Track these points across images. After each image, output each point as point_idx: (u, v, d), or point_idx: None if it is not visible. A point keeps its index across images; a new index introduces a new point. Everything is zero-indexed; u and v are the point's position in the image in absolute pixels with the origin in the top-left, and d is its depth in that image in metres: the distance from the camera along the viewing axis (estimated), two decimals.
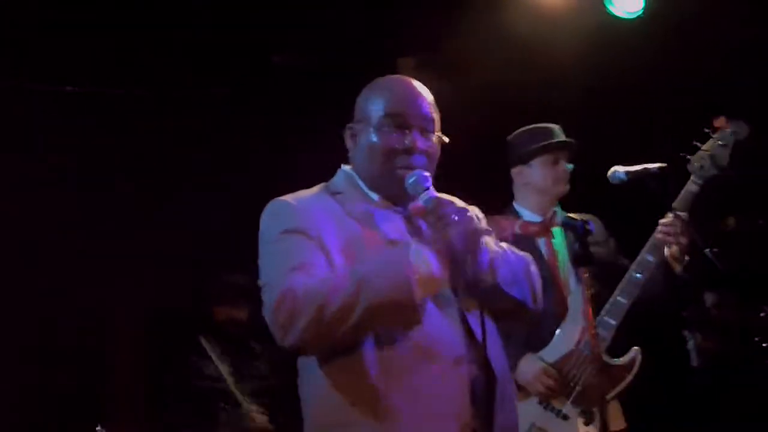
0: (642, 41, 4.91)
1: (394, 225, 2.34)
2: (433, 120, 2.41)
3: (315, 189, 2.45)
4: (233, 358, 4.59)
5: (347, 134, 2.46)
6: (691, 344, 4.77)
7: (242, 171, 5.14)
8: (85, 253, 4.89)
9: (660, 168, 3.38)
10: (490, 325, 2.29)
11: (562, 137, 3.82)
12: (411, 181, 2.29)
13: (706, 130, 3.60)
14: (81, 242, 4.91)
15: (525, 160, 3.81)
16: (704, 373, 4.80)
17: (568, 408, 3.55)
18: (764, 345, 4.68)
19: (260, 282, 2.29)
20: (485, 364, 2.22)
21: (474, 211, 2.45)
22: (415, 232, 2.35)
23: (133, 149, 5.17)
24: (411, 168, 2.33)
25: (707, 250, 3.50)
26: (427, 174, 2.31)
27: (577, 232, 2.30)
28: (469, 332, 2.25)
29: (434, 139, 2.40)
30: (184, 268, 5.01)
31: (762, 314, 3.36)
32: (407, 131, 2.36)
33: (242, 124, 5.25)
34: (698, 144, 3.59)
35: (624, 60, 5.02)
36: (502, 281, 2.28)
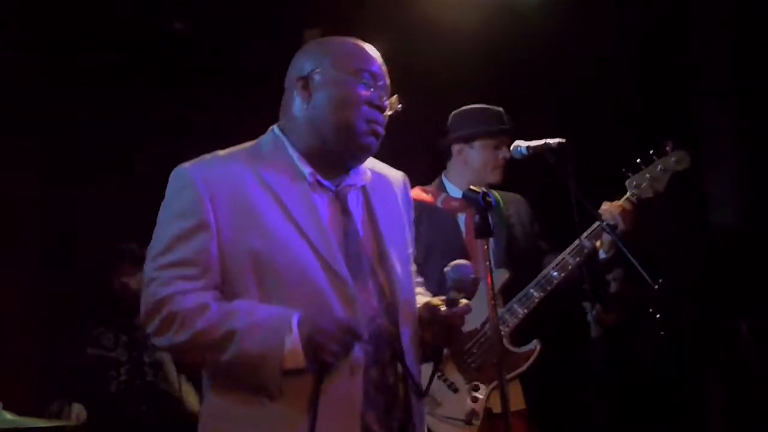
0: (542, 17, 4.99)
1: (313, 210, 2.23)
2: (388, 86, 2.36)
3: (238, 148, 2.32)
4: (130, 328, 4.52)
5: (297, 85, 2.28)
6: (590, 316, 4.87)
7: (136, 140, 5.03)
8: None
9: (559, 143, 3.45)
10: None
11: (506, 123, 3.84)
12: (458, 277, 2.27)
13: (651, 153, 3.75)
14: None
15: (468, 139, 3.84)
16: (603, 344, 4.93)
17: (459, 382, 3.62)
18: (658, 316, 4.84)
19: (148, 248, 2.26)
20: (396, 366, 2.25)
21: (403, 179, 2.51)
22: (344, 213, 2.29)
23: (22, 116, 4.97)
24: (380, 125, 2.28)
25: (603, 223, 3.60)
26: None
27: (477, 204, 2.32)
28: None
29: (392, 105, 2.34)
30: (79, 239, 4.90)
31: (656, 287, 3.46)
32: (379, 88, 2.29)
33: (137, 93, 5.12)
34: (641, 165, 3.74)
35: (525, 35, 5.09)
36: None
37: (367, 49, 2.34)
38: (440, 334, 2.31)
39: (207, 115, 5.00)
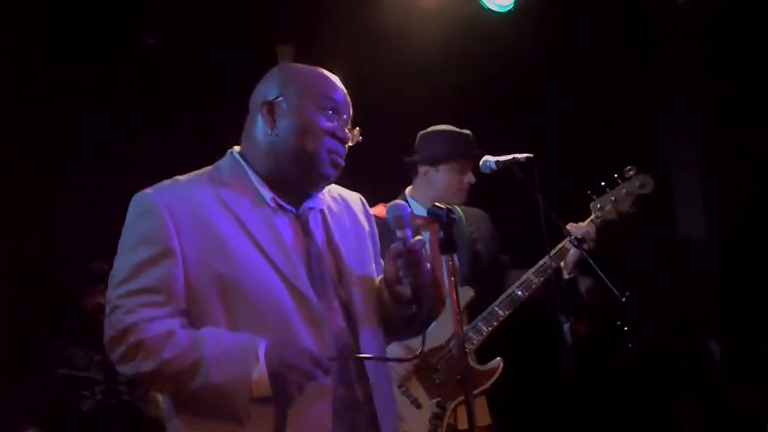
0: (512, 34, 5.04)
1: (274, 232, 2.24)
2: (351, 117, 2.38)
3: (198, 173, 2.32)
4: (104, 347, 4.50)
5: (264, 109, 2.29)
6: (566, 327, 4.93)
7: (104, 157, 5.01)
8: None
9: (527, 158, 3.50)
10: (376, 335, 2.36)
11: (473, 148, 3.87)
12: (397, 214, 2.23)
13: (615, 176, 3.82)
14: None
15: (434, 162, 3.86)
16: (576, 356, 4.97)
17: (423, 398, 3.65)
18: (626, 329, 4.89)
19: (110, 275, 2.23)
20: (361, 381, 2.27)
21: (359, 199, 2.53)
22: (305, 234, 2.30)
23: None
24: (341, 156, 2.30)
25: (572, 237, 3.65)
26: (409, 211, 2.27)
27: (441, 220, 2.34)
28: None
29: (353, 136, 2.36)
30: (50, 258, 4.86)
31: (623, 299, 3.51)
32: (342, 119, 2.32)
33: (107, 109, 5.10)
34: (606, 188, 3.81)
35: (494, 52, 5.14)
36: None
37: (332, 80, 2.36)
38: (409, 277, 2.28)
39: (178, 131, 4.99)
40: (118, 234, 2.27)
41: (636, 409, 5.04)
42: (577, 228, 3.69)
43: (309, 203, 2.35)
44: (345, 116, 2.33)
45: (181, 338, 2.12)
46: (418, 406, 3.63)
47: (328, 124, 2.28)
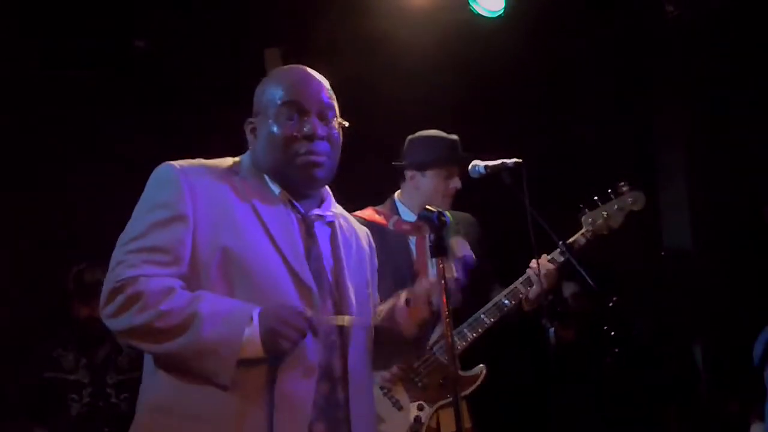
0: (502, 40, 5.06)
1: (284, 223, 2.30)
2: (332, 106, 2.39)
3: (219, 161, 2.40)
4: (92, 351, 4.49)
5: (247, 129, 2.41)
6: (550, 333, 4.94)
7: (100, 158, 5.00)
8: None
9: (516, 163, 3.51)
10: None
11: (459, 153, 3.86)
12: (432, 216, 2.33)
13: (608, 191, 3.81)
14: None
15: (421, 167, 3.85)
16: (561, 361, 4.98)
17: (405, 400, 3.65)
18: (612, 333, 4.91)
19: (120, 237, 2.25)
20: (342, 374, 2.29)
21: (367, 234, 2.61)
22: (308, 235, 2.34)
23: None
24: (313, 153, 2.32)
25: (561, 243, 3.66)
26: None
27: (432, 224, 2.35)
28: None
29: (335, 124, 2.38)
30: (42, 264, 4.84)
31: (610, 304, 3.53)
32: (306, 118, 2.33)
33: (97, 111, 5.09)
34: (598, 202, 3.80)
35: (485, 58, 5.16)
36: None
37: (295, 80, 2.40)
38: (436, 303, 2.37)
39: (166, 134, 4.98)
40: (115, 234, 2.28)
41: (621, 415, 5.05)
42: (537, 269, 3.63)
43: (319, 210, 2.40)
44: (314, 111, 2.35)
45: (180, 295, 2.16)
46: (400, 408, 3.64)
47: (291, 129, 2.33)
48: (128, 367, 4.50)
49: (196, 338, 2.12)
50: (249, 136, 2.41)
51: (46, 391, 4.36)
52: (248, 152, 2.43)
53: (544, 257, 3.71)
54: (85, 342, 4.47)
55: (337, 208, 2.50)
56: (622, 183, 3.84)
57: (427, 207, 2.39)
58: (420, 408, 3.65)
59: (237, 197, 2.28)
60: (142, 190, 2.31)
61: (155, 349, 2.19)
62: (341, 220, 2.48)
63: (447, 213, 3.74)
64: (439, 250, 2.35)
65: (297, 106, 2.34)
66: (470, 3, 4.79)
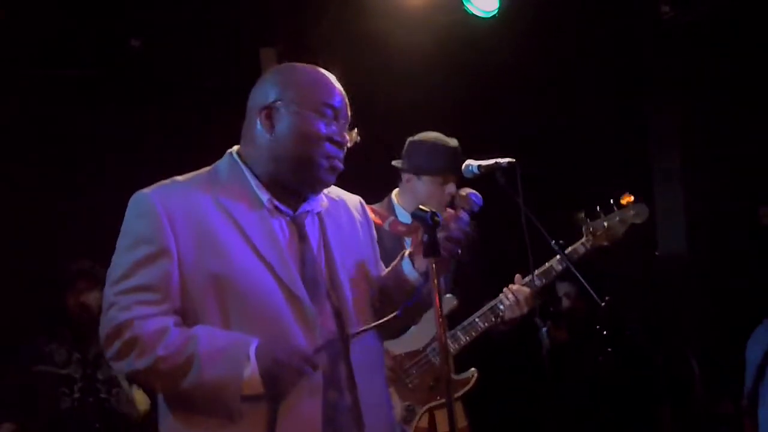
0: (497, 40, 5.07)
1: (268, 232, 2.25)
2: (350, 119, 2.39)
3: (197, 174, 2.34)
4: (84, 346, 4.48)
5: (262, 114, 2.29)
6: (543, 332, 4.92)
7: (90, 157, 5.00)
8: None
9: (509, 162, 3.49)
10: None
11: (458, 160, 3.78)
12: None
13: (611, 201, 3.80)
14: None
15: (417, 172, 3.84)
16: (554, 360, 4.99)
17: (394, 400, 3.64)
18: (605, 333, 4.92)
19: (108, 273, 2.24)
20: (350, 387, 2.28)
21: (360, 201, 2.57)
22: (300, 238, 2.32)
23: None
24: (339, 160, 2.31)
25: (553, 242, 3.65)
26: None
27: (426, 223, 2.34)
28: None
29: (351, 138, 2.37)
30: (32, 256, 4.85)
31: (603, 303, 3.53)
32: (340, 123, 2.32)
33: (92, 110, 5.09)
34: (601, 212, 3.79)
35: (479, 58, 5.16)
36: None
37: (330, 81, 2.36)
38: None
39: (163, 132, 4.99)
40: (104, 232, 2.28)
41: (614, 415, 5.06)
42: (513, 293, 3.63)
43: (306, 206, 2.36)
44: (343, 120, 2.34)
45: (175, 335, 2.15)
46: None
47: (327, 130, 2.29)
48: None
49: (198, 381, 2.13)
50: (262, 122, 2.30)
51: (37, 385, 4.36)
52: (227, 156, 2.36)
53: (518, 278, 3.68)
54: (80, 336, 4.47)
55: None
56: (627, 194, 3.83)
57: (421, 207, 2.37)
58: (408, 409, 3.65)
59: (217, 213, 2.23)
60: (134, 186, 2.29)
61: (161, 390, 2.23)
62: (327, 202, 2.43)
63: (441, 213, 3.75)
64: (432, 250, 2.35)
65: (337, 112, 2.32)
66: (464, 3, 4.78)
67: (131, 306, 2.16)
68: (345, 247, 2.41)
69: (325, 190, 2.44)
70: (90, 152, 5.03)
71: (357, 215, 2.53)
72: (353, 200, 2.56)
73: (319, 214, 2.40)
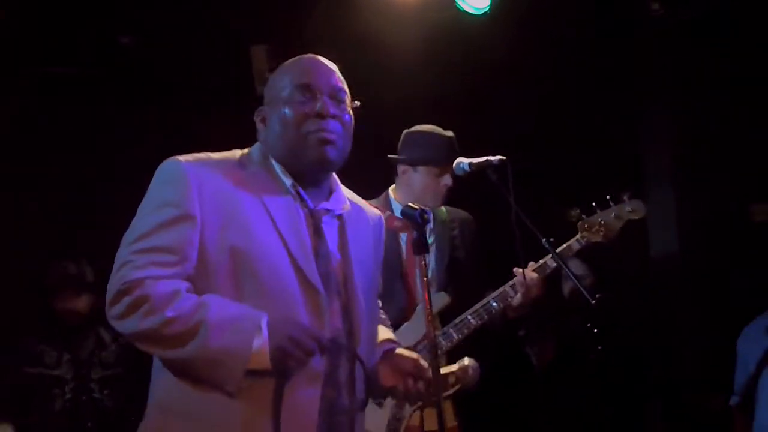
0: (489, 38, 5.06)
1: (293, 219, 2.28)
2: (343, 89, 2.40)
3: (227, 154, 2.37)
4: (76, 347, 4.48)
5: (257, 119, 2.41)
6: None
7: (84, 156, 4.98)
8: None
9: (500, 160, 3.49)
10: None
11: (454, 151, 3.81)
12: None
13: (608, 198, 3.76)
14: None
15: (413, 163, 3.83)
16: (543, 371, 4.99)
17: (384, 407, 3.63)
18: (595, 331, 4.90)
19: (124, 236, 2.23)
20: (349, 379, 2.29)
21: (379, 218, 2.61)
22: (316, 232, 2.33)
23: None
24: (325, 131, 2.31)
25: (544, 240, 3.64)
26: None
27: (415, 221, 2.34)
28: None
29: (347, 107, 2.38)
30: (21, 258, 4.83)
31: (594, 301, 3.51)
32: (317, 97, 2.32)
33: (82, 108, 5.08)
34: (597, 208, 3.76)
35: (471, 56, 5.16)
36: None
37: (303, 62, 2.41)
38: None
39: (153, 130, 4.97)
40: (103, 231, 2.26)
41: (605, 413, 5.06)
42: (520, 279, 3.61)
43: (327, 204, 2.38)
44: (324, 94, 2.34)
45: (186, 299, 2.13)
46: (379, 405, 3.62)
47: (302, 108, 2.32)
48: (113, 362, 4.50)
49: (204, 347, 2.10)
50: (259, 126, 2.41)
51: (28, 386, 4.35)
52: (257, 144, 2.42)
53: (531, 265, 3.67)
54: (69, 337, 4.47)
55: (348, 193, 2.49)
56: (624, 191, 3.80)
57: (410, 204, 2.40)
58: (398, 407, 3.64)
59: (245, 192, 2.26)
60: (134, 186, 2.30)
61: (162, 354, 2.18)
62: (351, 211, 2.46)
63: (442, 211, 3.74)
64: (420, 247, 2.37)
65: (308, 88, 2.34)
66: (456, 0, 4.78)
67: (147, 265, 2.14)
68: (360, 255, 2.42)
69: (350, 195, 2.49)
70: (90, 152, 5.01)
71: (373, 230, 2.56)
72: (374, 214, 2.60)
73: (340, 216, 2.42)
